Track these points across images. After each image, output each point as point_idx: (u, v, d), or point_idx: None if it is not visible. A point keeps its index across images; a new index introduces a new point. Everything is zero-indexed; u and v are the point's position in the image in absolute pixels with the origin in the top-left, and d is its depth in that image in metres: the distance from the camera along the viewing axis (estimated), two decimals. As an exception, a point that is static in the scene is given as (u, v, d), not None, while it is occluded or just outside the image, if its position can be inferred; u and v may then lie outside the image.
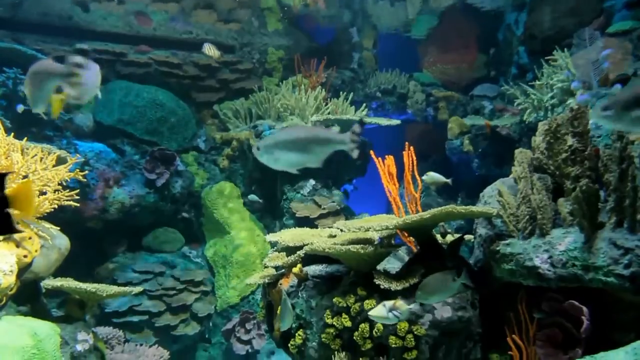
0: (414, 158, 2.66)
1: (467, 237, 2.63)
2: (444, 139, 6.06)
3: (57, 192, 2.35)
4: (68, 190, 2.39)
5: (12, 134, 2.57)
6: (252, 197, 5.42)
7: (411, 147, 2.62)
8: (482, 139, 5.54)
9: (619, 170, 1.91)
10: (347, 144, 1.95)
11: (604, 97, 3.68)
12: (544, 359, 2.10)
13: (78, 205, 2.56)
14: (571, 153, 2.21)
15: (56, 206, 2.33)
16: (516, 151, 2.49)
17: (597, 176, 2.09)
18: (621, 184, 1.92)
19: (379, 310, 2.13)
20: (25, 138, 2.58)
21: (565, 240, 2.01)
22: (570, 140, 2.22)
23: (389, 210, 4.97)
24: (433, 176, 2.44)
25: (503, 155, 5.03)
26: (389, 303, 2.13)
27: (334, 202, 5.01)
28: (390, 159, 2.57)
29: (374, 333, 2.18)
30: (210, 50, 5.04)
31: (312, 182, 5.18)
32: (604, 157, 2.03)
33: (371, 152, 2.85)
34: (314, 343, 2.34)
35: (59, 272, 2.66)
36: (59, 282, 2.53)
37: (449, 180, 2.33)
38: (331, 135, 2.00)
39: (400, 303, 2.13)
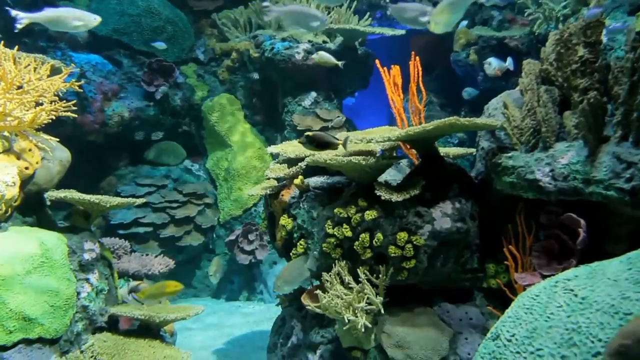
0: (420, 69, 2.59)
1: (470, 150, 2.62)
2: (449, 51, 5.88)
3: (53, 104, 2.30)
4: (65, 101, 2.34)
5: (2, 42, 2.48)
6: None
7: (417, 58, 2.54)
8: (488, 50, 5.37)
9: (629, 83, 1.85)
10: None
11: (619, 8, 3.51)
12: (538, 268, 2.16)
13: (77, 116, 2.52)
14: (581, 64, 2.13)
15: (54, 117, 2.28)
16: (524, 62, 2.41)
17: (606, 89, 2.03)
18: (630, 97, 1.86)
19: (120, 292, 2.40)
20: (17, 47, 2.49)
21: (568, 154, 1.99)
22: (581, 51, 2.14)
23: (390, 123, 4.92)
24: (323, 55, 2.37)
25: (509, 68, 4.89)
26: (132, 284, 2.31)
27: (338, 116, 4.95)
28: (396, 69, 2.50)
29: (374, 243, 2.23)
30: None
31: (313, 94, 5.09)
32: (615, 69, 1.96)
33: (377, 61, 2.76)
34: (315, 252, 2.40)
35: (63, 186, 2.68)
36: (62, 194, 2.55)
37: (339, 63, 2.28)
38: None
39: (143, 286, 2.34)
